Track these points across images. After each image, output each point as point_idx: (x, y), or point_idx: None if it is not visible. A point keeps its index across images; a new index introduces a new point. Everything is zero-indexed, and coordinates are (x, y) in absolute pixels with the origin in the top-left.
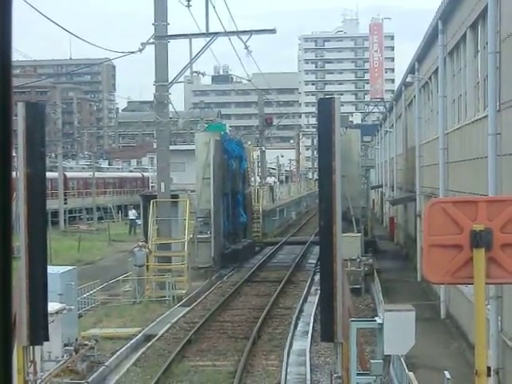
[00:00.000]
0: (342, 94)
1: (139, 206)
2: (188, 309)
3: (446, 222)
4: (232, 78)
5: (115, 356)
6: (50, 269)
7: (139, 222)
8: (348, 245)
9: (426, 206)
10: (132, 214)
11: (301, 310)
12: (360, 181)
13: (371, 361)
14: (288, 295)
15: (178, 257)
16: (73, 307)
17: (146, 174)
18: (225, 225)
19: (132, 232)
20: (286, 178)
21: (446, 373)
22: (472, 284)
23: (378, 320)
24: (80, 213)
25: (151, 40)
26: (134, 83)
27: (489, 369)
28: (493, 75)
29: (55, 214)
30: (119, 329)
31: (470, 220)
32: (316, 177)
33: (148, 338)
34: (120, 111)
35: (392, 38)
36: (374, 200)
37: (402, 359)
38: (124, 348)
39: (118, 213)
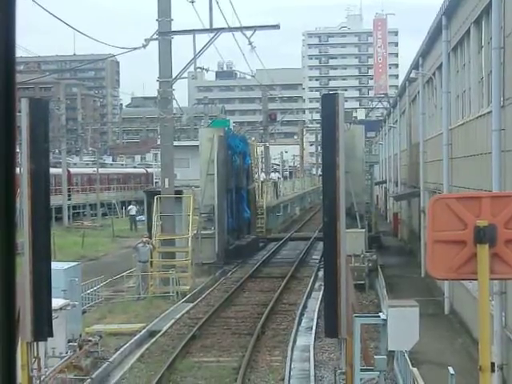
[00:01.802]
0: (345, 90)
1: (142, 201)
2: (192, 305)
3: (450, 218)
4: (236, 74)
5: (119, 352)
6: (54, 265)
7: (142, 217)
8: (352, 240)
9: (430, 201)
10: (134, 210)
11: (305, 306)
12: (364, 177)
13: (375, 356)
14: (292, 291)
15: (182, 253)
16: (77, 303)
17: (149, 169)
18: (229, 221)
19: (133, 228)
20: (290, 173)
21: (450, 368)
22: (476, 280)
23: (382, 316)
24: (84, 209)
25: (155, 36)
26: (137, 79)
27: (493, 364)
28: (497, 71)
29: (59, 209)
30: (123, 325)
31: (473, 216)
32: (320, 172)
33: (152, 333)
34: (124, 107)
35: (396, 33)
36: (377, 196)
37: (406, 355)
38: (128, 344)
39: (122, 209)
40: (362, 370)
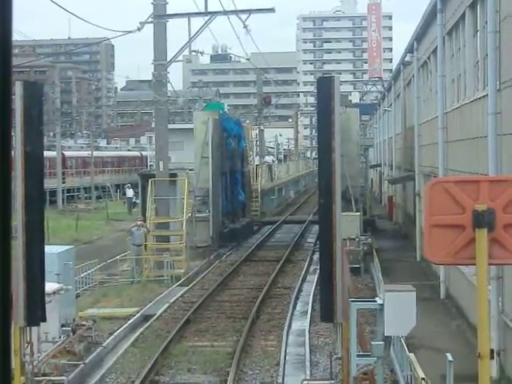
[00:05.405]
0: (340, 74)
1: (137, 184)
2: (186, 288)
3: (448, 202)
4: (231, 57)
5: (113, 336)
6: (48, 248)
7: (138, 200)
8: (347, 224)
9: (427, 185)
10: (131, 192)
11: (300, 290)
12: (359, 160)
13: (372, 342)
14: (287, 274)
15: (177, 236)
16: (70, 287)
17: (144, 152)
18: (223, 204)
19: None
20: (285, 156)
21: (449, 355)
22: (474, 265)
23: (379, 300)
24: (78, 192)
25: (150, 19)
26: (132, 62)
27: (492, 351)
28: (492, 54)
29: (53, 193)
30: (117, 309)
31: (472, 200)
32: (314, 156)
33: (146, 318)
34: (119, 90)
35: (390, 17)
36: (372, 179)
37: (402, 340)
38: (122, 328)
39: (117, 192)
40: (358, 355)
